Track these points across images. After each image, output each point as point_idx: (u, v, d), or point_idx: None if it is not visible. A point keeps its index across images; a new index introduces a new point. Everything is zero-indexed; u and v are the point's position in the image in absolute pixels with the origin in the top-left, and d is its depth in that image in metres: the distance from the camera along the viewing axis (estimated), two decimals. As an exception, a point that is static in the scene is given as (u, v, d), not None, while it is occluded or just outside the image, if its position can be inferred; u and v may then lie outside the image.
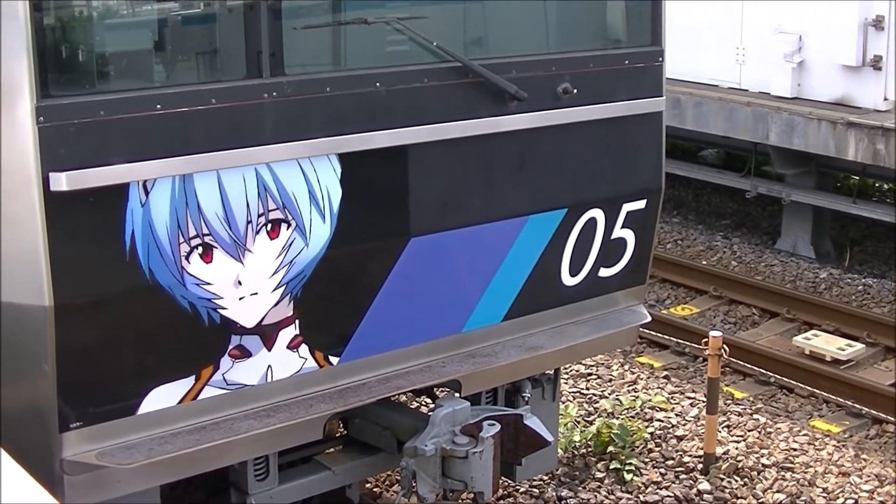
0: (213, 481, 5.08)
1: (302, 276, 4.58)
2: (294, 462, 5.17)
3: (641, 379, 8.69)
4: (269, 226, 4.44)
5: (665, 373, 9.08)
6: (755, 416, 8.09)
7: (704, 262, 11.87)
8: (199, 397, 4.46)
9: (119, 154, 4.02)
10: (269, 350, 4.59)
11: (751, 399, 8.69)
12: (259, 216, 4.40)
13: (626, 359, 9.30)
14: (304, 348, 4.69)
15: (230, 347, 4.49)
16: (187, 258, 4.25)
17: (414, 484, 4.88)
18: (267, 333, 4.56)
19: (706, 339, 7.08)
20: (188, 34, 4.54)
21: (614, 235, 5.57)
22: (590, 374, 8.69)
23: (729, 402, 8.40)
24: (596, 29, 5.62)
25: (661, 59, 5.48)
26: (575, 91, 5.14)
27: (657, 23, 5.47)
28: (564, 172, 5.28)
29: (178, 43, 4.51)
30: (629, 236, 5.63)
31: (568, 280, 5.47)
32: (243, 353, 4.53)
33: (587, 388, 8.40)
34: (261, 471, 4.87)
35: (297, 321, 4.63)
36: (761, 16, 11.87)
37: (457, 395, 5.16)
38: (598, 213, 5.44)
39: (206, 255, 4.30)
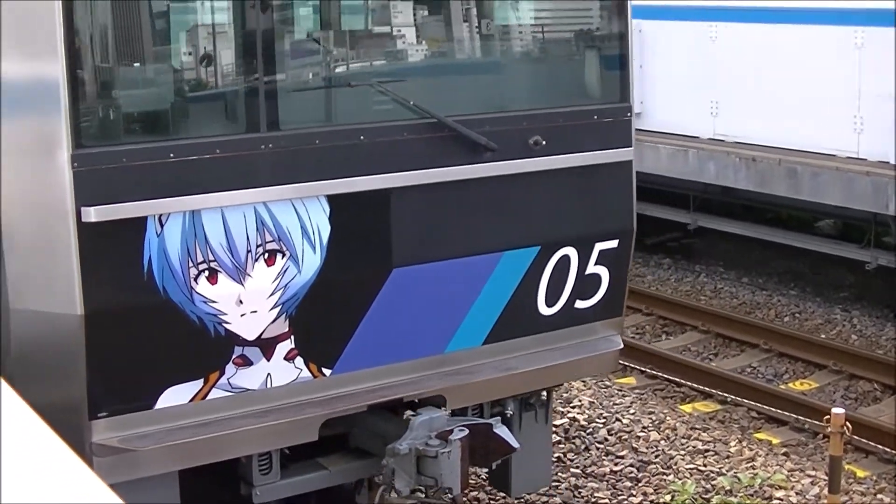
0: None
1: (296, 298, 5.39)
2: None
3: (760, 455, 8.39)
4: (267, 255, 5.28)
5: (784, 449, 8.83)
6: (879, 495, 7.83)
7: (823, 336, 11.55)
8: (207, 398, 5.24)
9: (139, 193, 4.91)
10: (269, 360, 5.38)
11: (874, 478, 8.39)
12: (257, 246, 5.25)
13: (744, 434, 9.09)
14: (299, 360, 5.47)
15: (234, 356, 5.28)
16: (196, 280, 5.12)
17: (393, 479, 5.64)
18: (266, 346, 5.35)
19: (828, 416, 6.64)
20: (198, 96, 5.51)
21: (588, 271, 6.19)
22: (707, 451, 8.41)
23: (851, 480, 8.13)
24: (572, 89, 6.39)
25: (629, 113, 6.20)
26: (544, 143, 5.90)
27: (625, 83, 6.20)
28: (536, 214, 5.94)
29: (189, 103, 5.48)
30: (603, 272, 6.26)
31: (545, 310, 6.12)
32: (246, 362, 5.32)
33: (704, 465, 8.14)
34: (265, 466, 5.68)
35: (292, 336, 5.42)
36: (879, 83, 11.52)
37: (443, 409, 5.89)
38: (571, 251, 6.10)
39: (212, 278, 5.17)
